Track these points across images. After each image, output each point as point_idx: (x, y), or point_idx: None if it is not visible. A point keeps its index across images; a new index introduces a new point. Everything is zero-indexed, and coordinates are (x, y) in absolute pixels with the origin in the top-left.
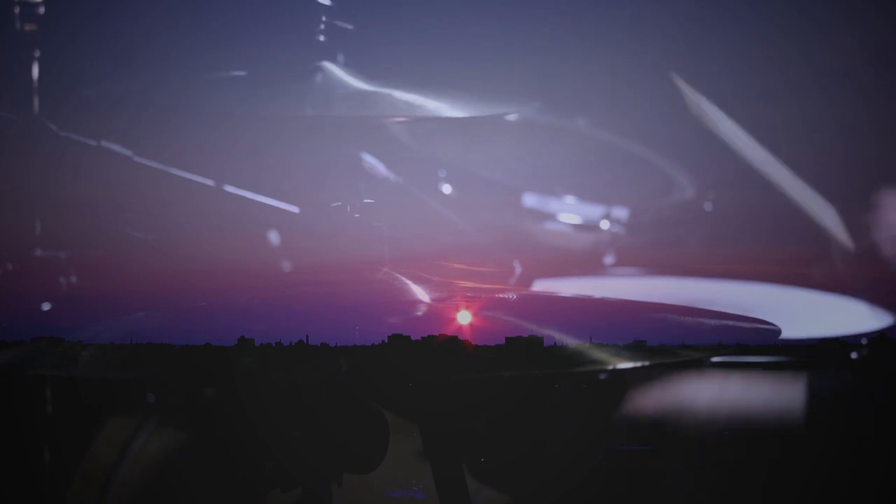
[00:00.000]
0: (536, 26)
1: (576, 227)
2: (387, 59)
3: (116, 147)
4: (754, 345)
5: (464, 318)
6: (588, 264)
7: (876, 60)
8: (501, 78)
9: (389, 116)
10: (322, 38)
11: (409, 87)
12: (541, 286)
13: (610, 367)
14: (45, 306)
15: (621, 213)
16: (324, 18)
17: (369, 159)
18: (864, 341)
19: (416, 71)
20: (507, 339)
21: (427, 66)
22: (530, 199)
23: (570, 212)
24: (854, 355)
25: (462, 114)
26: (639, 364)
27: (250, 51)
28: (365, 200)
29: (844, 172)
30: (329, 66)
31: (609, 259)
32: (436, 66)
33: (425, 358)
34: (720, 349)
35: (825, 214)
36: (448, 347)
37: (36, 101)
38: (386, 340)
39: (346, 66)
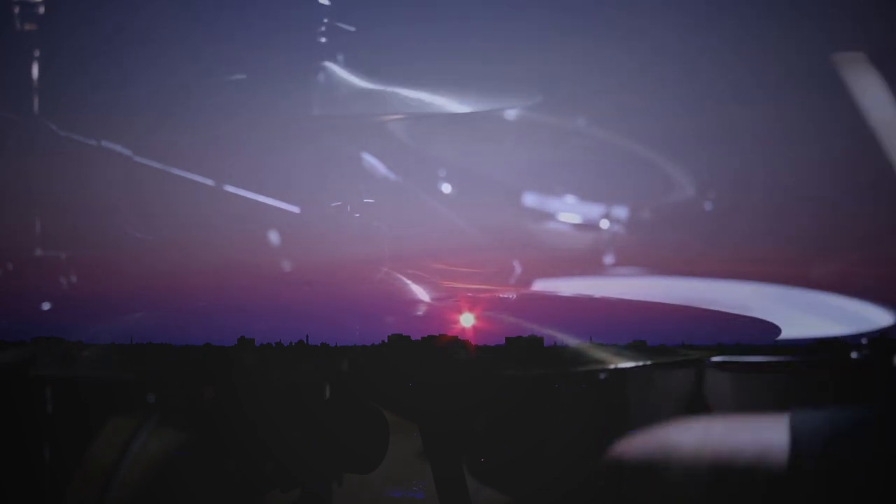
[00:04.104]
0: (537, 25)
1: (576, 226)
2: (389, 58)
3: (116, 147)
4: (754, 345)
5: (464, 318)
6: (588, 264)
7: (877, 58)
8: (504, 74)
9: (389, 116)
10: (324, 39)
11: (411, 85)
12: (541, 286)
13: (610, 367)
14: (46, 306)
15: (621, 212)
16: (325, 20)
17: (369, 159)
18: (864, 341)
19: (418, 69)
20: (507, 339)
21: (429, 64)
22: (530, 199)
23: (570, 211)
24: (854, 355)
25: (466, 109)
26: (639, 364)
27: (251, 51)
28: (365, 200)
29: (843, 171)
30: (331, 66)
31: (609, 259)
32: (438, 64)
33: (425, 358)
34: (720, 349)
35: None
36: (448, 348)
37: (36, 101)
38: (386, 340)
39: (349, 65)
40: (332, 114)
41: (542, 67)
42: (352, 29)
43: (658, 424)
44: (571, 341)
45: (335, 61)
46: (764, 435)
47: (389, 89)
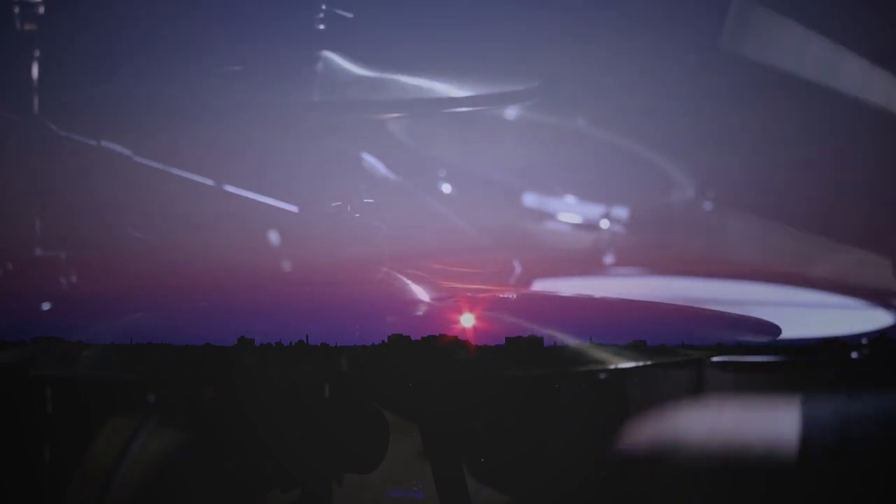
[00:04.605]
0: (537, 25)
1: (576, 226)
2: (388, 46)
3: (116, 147)
4: (754, 345)
5: (464, 318)
6: (588, 264)
7: (877, 60)
8: (504, 66)
9: (389, 114)
10: (322, 26)
11: (411, 73)
12: (541, 286)
13: (610, 367)
14: (45, 306)
15: (621, 212)
16: (323, 7)
17: (369, 159)
18: (864, 341)
19: (416, 60)
20: (507, 339)
21: (429, 53)
22: (530, 199)
23: (570, 211)
24: (854, 355)
25: (465, 93)
26: (639, 364)
27: (250, 49)
28: (365, 200)
29: (843, 171)
30: (330, 54)
31: (609, 259)
32: (438, 53)
33: (425, 358)
34: (720, 349)
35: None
36: (448, 348)
37: (36, 101)
38: (386, 340)
39: (347, 53)
40: (331, 102)
41: (542, 67)
42: (349, 15)
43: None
44: (571, 341)
45: (334, 49)
46: (773, 423)
47: (388, 79)
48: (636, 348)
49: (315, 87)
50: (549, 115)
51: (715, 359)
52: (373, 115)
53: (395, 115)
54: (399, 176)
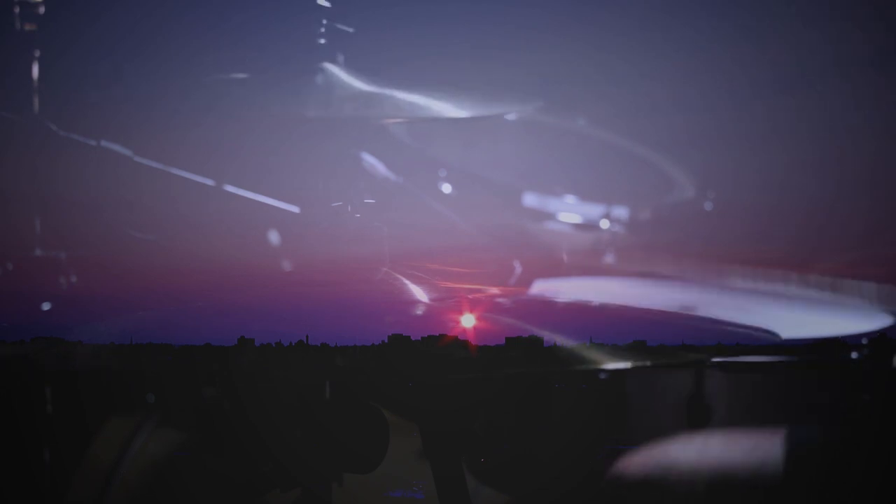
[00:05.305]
0: (537, 27)
1: (576, 226)
2: (388, 61)
3: (116, 147)
4: (754, 345)
5: (464, 318)
6: (588, 264)
7: (876, 60)
8: (503, 78)
9: (390, 117)
10: (323, 40)
11: (410, 88)
12: (540, 287)
13: (610, 367)
14: (45, 306)
15: (621, 212)
16: (324, 21)
17: (370, 159)
18: (864, 341)
19: (416, 73)
20: (507, 339)
21: (428, 68)
22: (530, 199)
23: (570, 211)
24: (854, 355)
25: (464, 114)
26: (639, 364)
27: (251, 52)
28: (365, 200)
29: (843, 172)
30: (330, 67)
31: (609, 259)
32: (437, 68)
33: (425, 358)
34: (720, 349)
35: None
36: (448, 348)
37: (36, 101)
38: (386, 340)
39: (348, 67)
40: (331, 116)
41: (542, 68)
42: (350, 30)
43: (658, 430)
44: (571, 342)
45: (335, 62)
46: (760, 449)
47: (388, 92)
48: (636, 348)
49: (315, 99)
50: (548, 115)
51: (715, 359)
52: (374, 121)
53: (395, 120)
54: (399, 176)
